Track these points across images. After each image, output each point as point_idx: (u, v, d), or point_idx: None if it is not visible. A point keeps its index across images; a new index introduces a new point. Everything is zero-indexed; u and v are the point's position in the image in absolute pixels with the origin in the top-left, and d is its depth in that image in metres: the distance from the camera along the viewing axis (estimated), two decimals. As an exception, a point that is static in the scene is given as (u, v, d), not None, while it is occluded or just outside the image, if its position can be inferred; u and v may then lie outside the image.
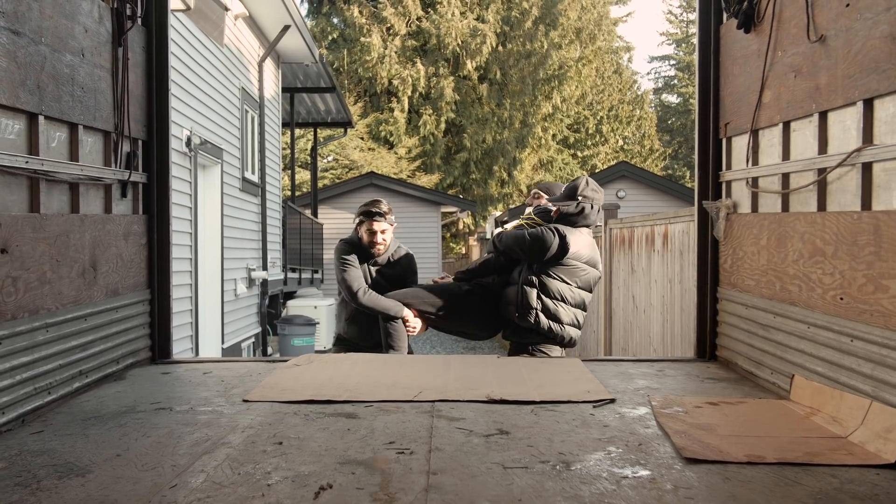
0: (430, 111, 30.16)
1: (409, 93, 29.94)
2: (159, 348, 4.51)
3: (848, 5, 3.12)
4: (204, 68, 9.41)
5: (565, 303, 4.51)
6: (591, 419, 3.12)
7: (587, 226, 4.63)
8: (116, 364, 4.03)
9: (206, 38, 9.27)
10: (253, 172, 12.13)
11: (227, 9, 9.58)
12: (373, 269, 4.91)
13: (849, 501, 2.26)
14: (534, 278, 4.50)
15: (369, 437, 2.85)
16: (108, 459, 2.61)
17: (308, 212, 17.83)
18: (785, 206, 3.71)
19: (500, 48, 30.81)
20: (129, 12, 4.10)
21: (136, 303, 4.28)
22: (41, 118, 3.29)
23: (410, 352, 4.90)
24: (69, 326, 3.52)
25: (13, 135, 3.13)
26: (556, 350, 4.62)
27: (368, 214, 4.83)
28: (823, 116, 3.35)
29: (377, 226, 4.81)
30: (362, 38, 29.59)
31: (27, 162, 3.17)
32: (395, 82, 29.80)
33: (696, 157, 4.61)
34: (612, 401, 3.44)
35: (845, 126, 3.19)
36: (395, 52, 29.87)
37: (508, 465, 2.54)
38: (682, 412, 3.21)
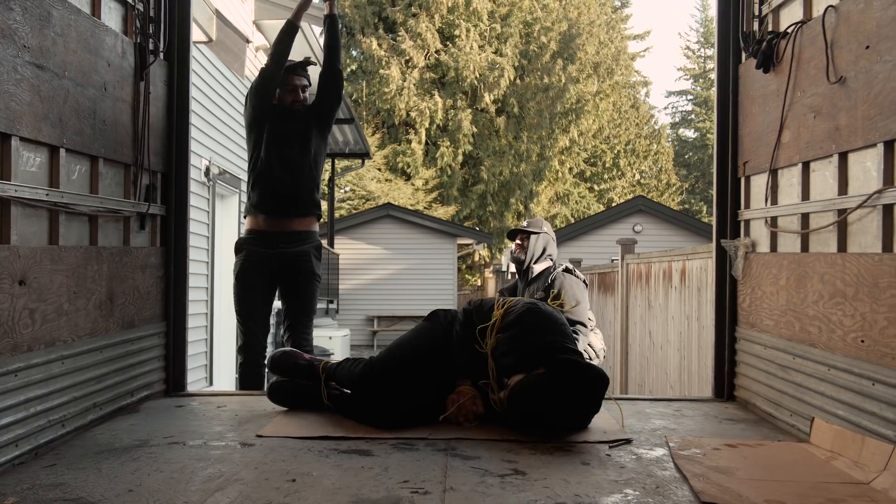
0: (448, 143, 30.33)
1: (427, 125, 30.13)
2: (174, 381, 4.49)
3: (868, 47, 3.11)
4: (224, 98, 9.51)
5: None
6: (607, 460, 3.08)
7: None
8: (131, 396, 4.03)
9: (227, 69, 9.38)
10: (271, 203, 12.16)
11: (248, 41, 9.71)
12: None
13: (872, 552, 2.21)
14: None
15: (383, 476, 2.82)
16: (119, 495, 2.59)
17: (325, 242, 17.87)
18: (804, 247, 3.67)
19: (518, 81, 31.02)
20: (151, 47, 4.14)
21: (152, 335, 4.28)
22: (62, 151, 3.32)
23: None
24: (84, 359, 3.52)
25: (35, 167, 3.16)
26: None
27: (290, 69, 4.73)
28: (843, 157, 3.32)
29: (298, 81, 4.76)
30: (381, 71, 29.88)
31: (47, 194, 3.19)
32: (413, 114, 30.01)
33: (714, 195, 4.59)
34: (629, 441, 3.39)
35: (865, 167, 3.16)
36: (414, 85, 30.11)
37: (523, 507, 2.51)
38: (700, 454, 3.16)
